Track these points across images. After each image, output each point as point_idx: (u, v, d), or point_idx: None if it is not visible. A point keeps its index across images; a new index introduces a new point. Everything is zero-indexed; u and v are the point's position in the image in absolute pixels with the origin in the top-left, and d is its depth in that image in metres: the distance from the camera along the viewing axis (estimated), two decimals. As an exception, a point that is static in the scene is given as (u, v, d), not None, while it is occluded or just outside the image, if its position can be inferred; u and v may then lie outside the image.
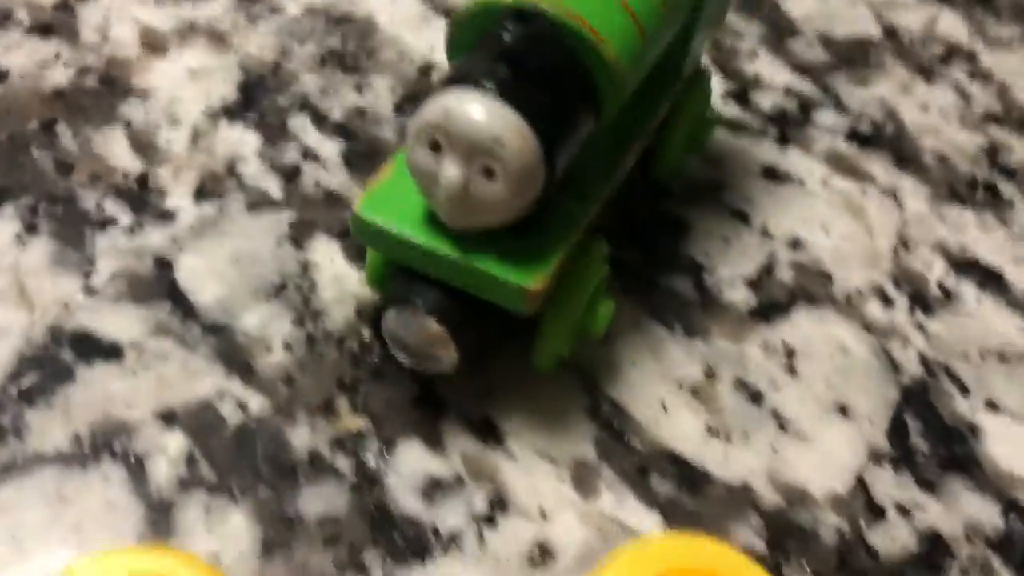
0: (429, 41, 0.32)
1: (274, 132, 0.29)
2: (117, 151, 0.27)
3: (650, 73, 0.23)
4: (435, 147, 0.20)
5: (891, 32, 0.36)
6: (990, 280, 0.29)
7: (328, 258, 0.26)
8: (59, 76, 0.29)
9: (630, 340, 0.25)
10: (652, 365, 0.25)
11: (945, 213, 0.30)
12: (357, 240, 0.22)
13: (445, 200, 0.20)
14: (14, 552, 0.20)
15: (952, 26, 0.37)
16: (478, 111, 0.19)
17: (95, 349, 0.23)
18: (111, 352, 0.23)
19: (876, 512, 0.23)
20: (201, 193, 0.27)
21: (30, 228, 0.25)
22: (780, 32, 0.35)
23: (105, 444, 0.22)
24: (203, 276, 0.25)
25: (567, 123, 0.20)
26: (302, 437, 0.23)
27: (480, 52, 0.20)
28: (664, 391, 0.25)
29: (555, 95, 0.20)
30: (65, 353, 0.23)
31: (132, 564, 0.16)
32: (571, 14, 0.20)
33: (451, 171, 0.19)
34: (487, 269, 0.20)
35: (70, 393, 0.22)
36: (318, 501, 0.22)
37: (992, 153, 0.32)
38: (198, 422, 0.22)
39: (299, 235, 0.26)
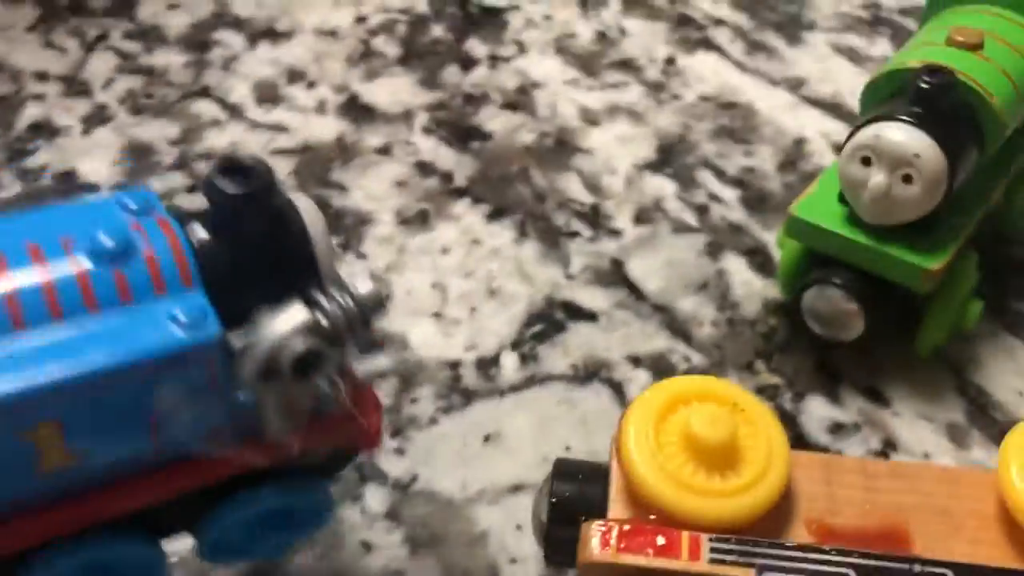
0: (800, 122, 0.40)
1: (686, 181, 0.37)
2: (574, 188, 0.37)
3: (1017, 128, 0.30)
4: (865, 162, 0.27)
5: None
6: None
7: (737, 268, 0.34)
8: (527, 138, 0.39)
9: (989, 343, 0.31)
10: (1007, 364, 0.31)
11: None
12: (790, 236, 0.30)
13: (870, 201, 0.27)
14: (539, 435, 0.28)
15: None
16: (902, 134, 0.27)
17: (578, 312, 0.32)
18: (589, 316, 0.32)
19: None
20: (638, 219, 0.36)
21: (522, 234, 0.35)
22: None
23: (594, 373, 0.30)
24: (646, 273, 0.33)
25: (963, 150, 0.27)
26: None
27: (897, 99, 0.28)
28: (1019, 383, 0.30)
29: (955, 129, 0.27)
30: (558, 314, 0.32)
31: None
32: (967, 75, 0.28)
33: (878, 178, 0.27)
34: (897, 254, 0.28)
35: (566, 338, 0.31)
36: (749, 427, 0.29)
37: None
38: (657, 366, 0.30)
39: (713, 251, 0.34)
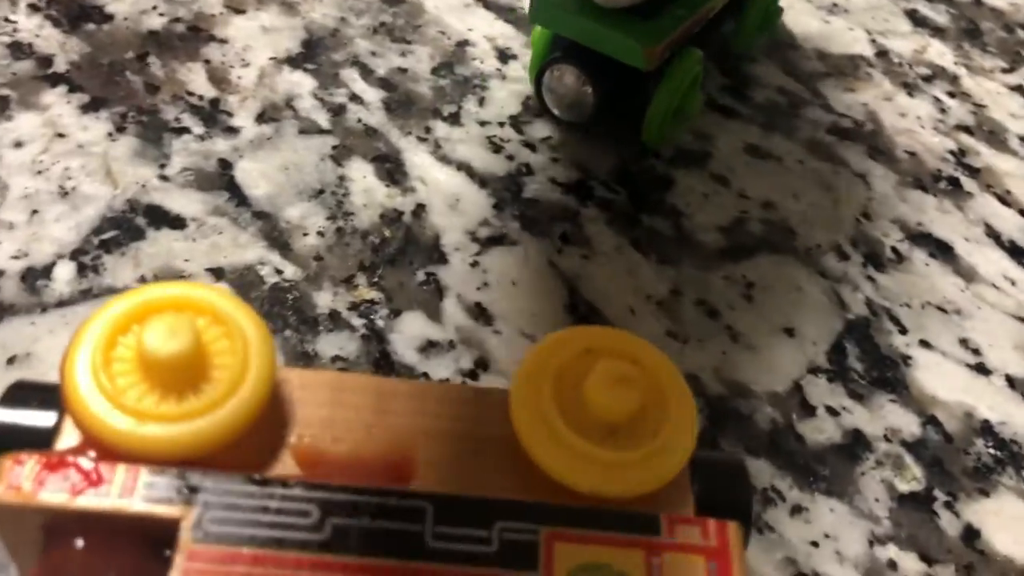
0: (468, 24, 0.37)
1: (327, 79, 0.34)
2: (196, 80, 0.33)
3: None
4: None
5: (883, 53, 0.40)
6: (941, 250, 0.32)
7: (361, 175, 0.31)
8: (155, 21, 0.34)
9: (611, 261, 0.30)
10: (626, 281, 0.29)
11: (908, 196, 0.34)
12: (533, 21, 0.31)
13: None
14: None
15: (939, 53, 0.41)
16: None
17: (163, 218, 0.28)
18: (176, 222, 0.28)
19: (808, 410, 0.27)
20: (261, 117, 0.32)
21: (119, 129, 0.30)
22: (781, 45, 0.40)
23: (163, 285, 0.26)
24: (257, 177, 0.30)
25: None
26: (325, 299, 0.27)
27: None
28: (633, 301, 0.29)
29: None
30: (139, 219, 0.28)
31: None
32: None
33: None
34: (622, 34, 0.30)
35: (141, 247, 0.27)
36: (333, 346, 0.26)
37: (960, 155, 0.36)
38: (241, 279, 0.27)
39: (339, 156, 0.31)
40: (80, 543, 0.17)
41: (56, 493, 0.17)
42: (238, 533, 0.17)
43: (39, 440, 0.18)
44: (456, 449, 0.19)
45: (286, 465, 0.18)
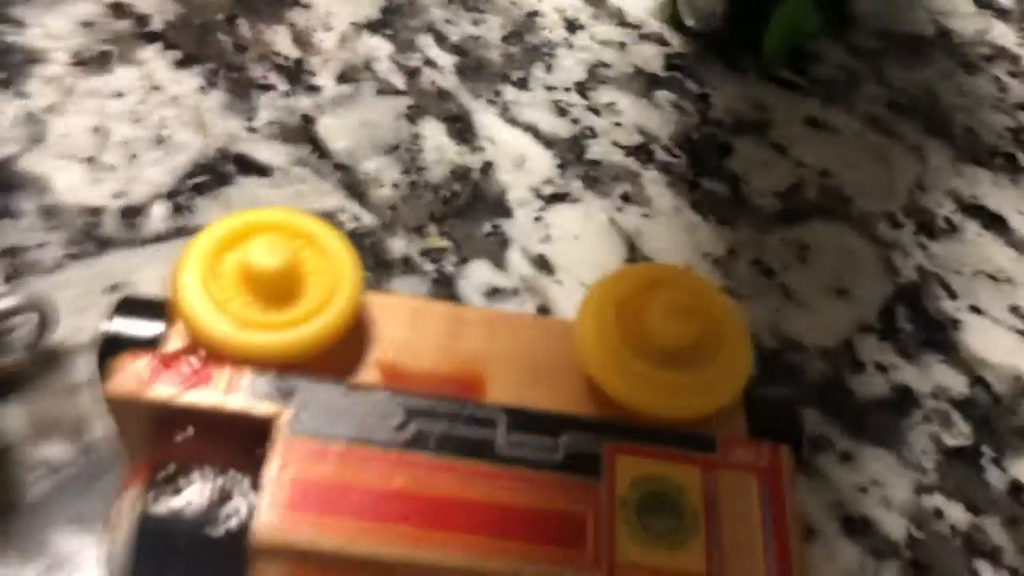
0: (538, -5, 0.39)
1: (404, 44, 0.35)
2: (282, 42, 0.34)
3: None
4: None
5: (944, 33, 0.41)
6: (994, 222, 0.33)
7: (434, 133, 0.32)
8: (243, -13, 0.36)
9: (670, 220, 0.31)
10: (684, 239, 0.30)
11: (963, 170, 0.35)
12: None
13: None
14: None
15: (1002, 34, 0.41)
16: None
17: (250, 166, 0.30)
18: (262, 170, 0.30)
19: (857, 366, 0.28)
20: (342, 78, 0.34)
21: (210, 84, 0.32)
22: (844, 24, 0.40)
23: (250, 227, 0.28)
24: (337, 132, 0.32)
25: None
26: (399, 246, 0.29)
27: None
28: (691, 258, 0.30)
29: None
30: (228, 166, 0.30)
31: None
32: None
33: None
34: None
35: (229, 192, 0.29)
36: (405, 288, 0.28)
37: (1018, 132, 0.37)
38: (320, 224, 0.29)
39: (413, 115, 0.33)
40: (191, 431, 0.18)
41: (167, 387, 0.18)
42: (329, 430, 0.18)
43: (147, 348, 0.20)
44: (523, 371, 0.21)
45: (371, 376, 0.20)
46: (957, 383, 0.28)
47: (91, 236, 0.27)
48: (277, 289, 0.19)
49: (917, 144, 0.35)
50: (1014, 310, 0.30)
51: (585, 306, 0.20)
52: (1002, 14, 0.42)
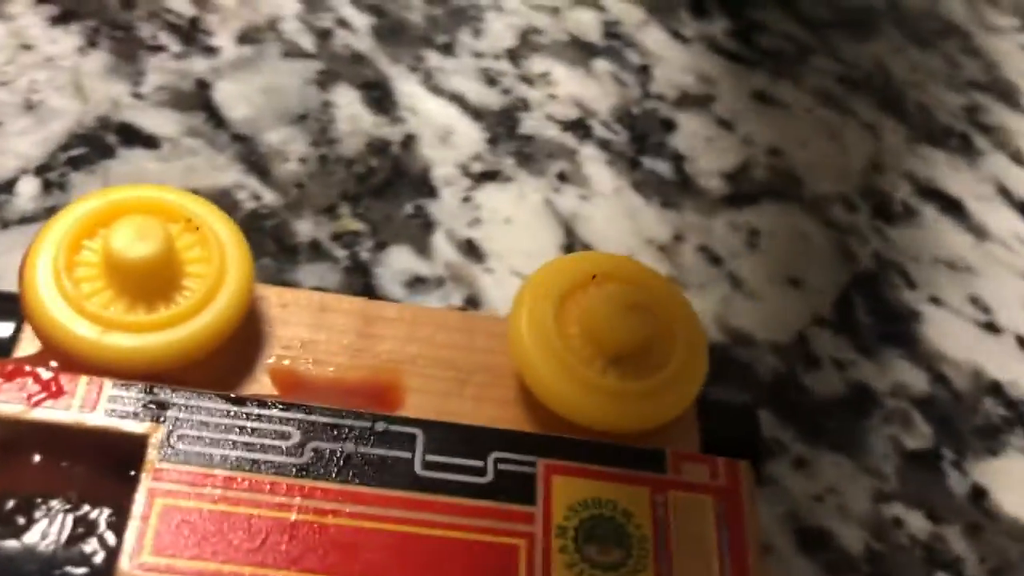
0: (465, -46, 0.35)
1: (314, 2, 0.32)
2: (176, -2, 0.31)
3: None
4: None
5: (894, 5, 0.39)
6: (951, 207, 0.31)
7: (347, 101, 0.29)
8: (134, -63, 0.32)
9: (610, 202, 0.28)
10: (626, 223, 0.28)
11: (918, 150, 0.33)
12: None
13: None
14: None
15: (952, 9, 0.40)
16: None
17: (136, 137, 0.26)
18: (149, 141, 0.26)
19: (812, 362, 0.26)
20: (243, 38, 0.30)
21: (91, 43, 0.29)
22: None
23: (134, 206, 0.25)
24: (236, 99, 0.28)
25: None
26: (306, 228, 0.25)
27: None
28: (633, 244, 0.27)
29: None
30: (110, 137, 0.26)
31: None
32: None
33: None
34: None
35: (111, 165, 0.26)
36: (313, 276, 0.24)
37: (972, 111, 0.35)
38: (217, 203, 0.25)
39: (324, 81, 0.29)
40: (37, 458, 0.15)
41: (11, 403, 0.15)
42: (210, 453, 0.15)
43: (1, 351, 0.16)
44: (447, 377, 0.18)
45: (262, 387, 0.17)
46: (917, 380, 0.26)
47: (-58, 216, 0.24)
48: (148, 283, 0.16)
49: (870, 122, 0.33)
50: (974, 301, 0.28)
51: (519, 301, 0.18)
52: (951, -12, 0.41)
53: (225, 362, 0.17)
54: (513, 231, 0.27)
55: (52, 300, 0.16)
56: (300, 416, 0.16)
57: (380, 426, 0.16)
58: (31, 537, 0.14)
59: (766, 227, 0.29)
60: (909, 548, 0.23)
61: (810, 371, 0.25)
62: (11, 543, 0.14)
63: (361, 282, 0.25)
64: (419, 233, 0.26)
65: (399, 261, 0.25)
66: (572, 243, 0.27)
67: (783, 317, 0.26)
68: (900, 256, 0.29)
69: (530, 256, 0.26)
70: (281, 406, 0.16)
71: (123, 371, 0.16)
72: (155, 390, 0.15)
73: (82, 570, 0.14)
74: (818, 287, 0.27)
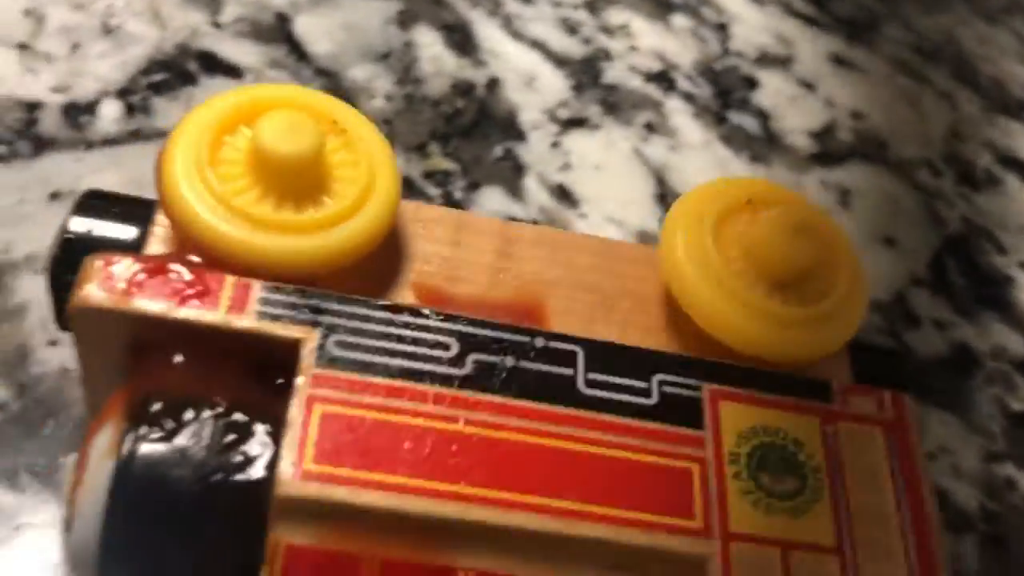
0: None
1: (390, -54, 0.31)
2: (248, -67, 0.30)
3: None
4: None
5: (958, -19, 0.38)
6: (1033, 176, 0.30)
7: (429, 42, 0.28)
8: None
9: (699, 155, 0.27)
10: (717, 175, 0.27)
11: (996, 120, 0.32)
12: None
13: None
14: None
15: (1014, -13, 0.39)
16: None
17: (217, 66, 0.25)
18: (232, 71, 0.25)
19: (913, 321, 0.25)
20: (321, -24, 0.29)
21: (166, -29, 0.27)
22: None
23: (221, 134, 0.24)
24: (317, 33, 0.27)
25: None
26: (398, 165, 0.24)
27: None
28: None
29: None
30: (191, 64, 0.25)
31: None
32: None
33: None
34: None
35: (192, 92, 0.24)
36: (407, 213, 0.23)
37: (1043, 86, 0.34)
38: (305, 135, 0.24)
39: (404, 21, 0.28)
40: (179, 359, 0.14)
41: (156, 299, 0.14)
42: (369, 360, 0.14)
43: (123, 253, 0.15)
44: (591, 301, 0.17)
45: (407, 301, 0.16)
46: (1016, 344, 0.25)
47: (25, 135, 0.22)
48: (297, 182, 0.15)
49: (947, 91, 0.33)
50: (1063, 268, 0.28)
51: (671, 226, 0.17)
52: (1014, -34, 0.40)
53: (370, 272, 0.16)
54: (604, 178, 0.26)
55: (198, 197, 0.15)
56: (459, 327, 0.15)
57: (539, 341, 0.15)
58: (181, 440, 0.13)
59: (856, 187, 0.28)
60: (1023, 508, 0.23)
61: (911, 330, 0.25)
62: (160, 446, 0.13)
63: (457, 221, 0.24)
64: (510, 175, 0.25)
65: (491, 202, 0.24)
66: (665, 193, 0.26)
67: (881, 276, 0.26)
68: (987, 222, 0.28)
69: (624, 204, 0.25)
70: (438, 316, 0.15)
71: (272, 273, 0.15)
72: (308, 294, 0.14)
73: (239, 476, 0.13)
74: (911, 248, 0.27)
